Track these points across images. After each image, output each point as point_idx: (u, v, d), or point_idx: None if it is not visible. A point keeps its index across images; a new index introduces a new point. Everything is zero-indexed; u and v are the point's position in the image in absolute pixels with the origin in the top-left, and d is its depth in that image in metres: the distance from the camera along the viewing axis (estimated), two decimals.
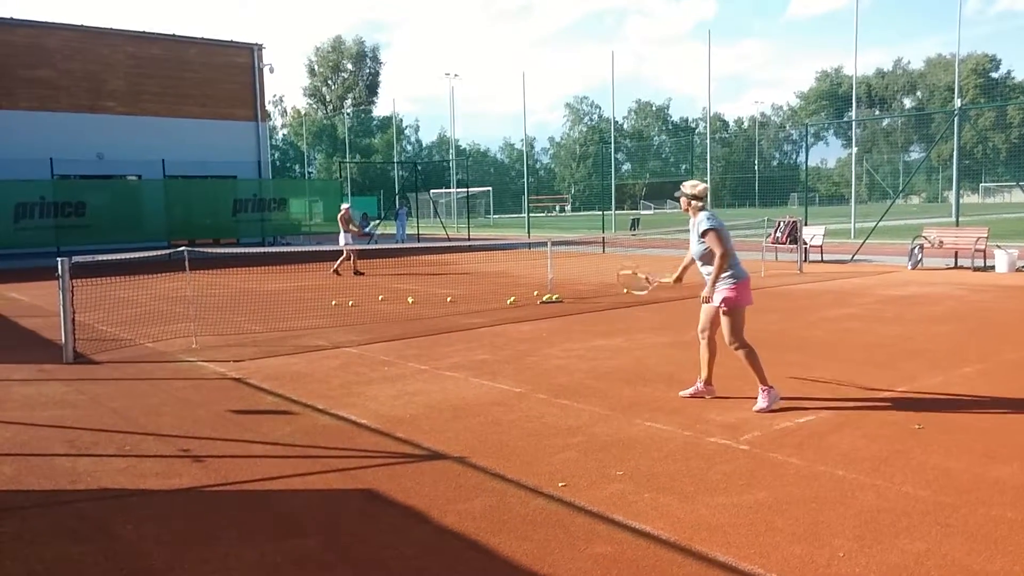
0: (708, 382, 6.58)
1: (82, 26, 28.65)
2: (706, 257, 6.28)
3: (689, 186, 6.42)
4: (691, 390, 6.63)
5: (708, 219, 6.24)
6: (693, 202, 6.37)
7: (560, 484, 4.73)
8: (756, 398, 6.21)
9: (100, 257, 9.83)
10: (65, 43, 27.89)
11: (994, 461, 4.97)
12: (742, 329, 6.21)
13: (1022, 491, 4.49)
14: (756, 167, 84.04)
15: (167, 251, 12.04)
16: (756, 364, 6.19)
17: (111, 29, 29.31)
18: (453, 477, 4.91)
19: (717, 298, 6.20)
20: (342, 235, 18.39)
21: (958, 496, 4.44)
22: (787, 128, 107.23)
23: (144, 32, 30.02)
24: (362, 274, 18.38)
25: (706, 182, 7.21)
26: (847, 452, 5.18)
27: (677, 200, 6.63)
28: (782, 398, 6.27)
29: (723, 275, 6.18)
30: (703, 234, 6.22)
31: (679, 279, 6.82)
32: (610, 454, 5.26)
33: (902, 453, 5.15)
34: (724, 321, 6.21)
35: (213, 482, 4.94)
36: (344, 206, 19.14)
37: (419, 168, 54.36)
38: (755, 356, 6.20)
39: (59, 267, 8.72)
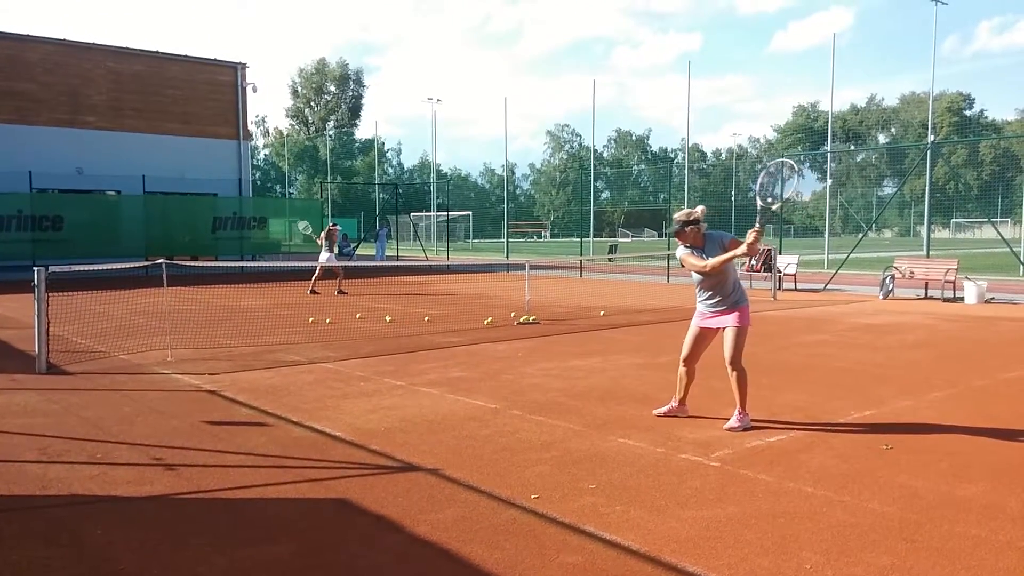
0: (682, 402, 6.65)
1: (63, 40, 28.53)
2: (724, 273, 6.30)
3: (684, 215, 6.35)
4: (665, 408, 6.70)
5: (722, 233, 6.40)
6: (697, 227, 6.31)
7: (532, 496, 4.76)
8: (729, 418, 6.30)
9: (77, 267, 9.79)
10: (46, 57, 27.75)
11: (960, 481, 5.06)
12: (743, 349, 6.32)
13: (987, 510, 4.57)
14: (733, 198, 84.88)
15: (144, 265, 12.01)
16: (744, 387, 6.30)
17: (93, 44, 29.20)
18: (426, 488, 4.92)
19: (733, 318, 6.28)
20: (323, 253, 18.37)
21: (924, 513, 4.52)
22: (764, 160, 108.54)
23: (126, 48, 29.94)
24: (345, 293, 18.36)
25: (701, 205, 7.14)
26: (816, 470, 5.26)
27: (674, 235, 6.44)
28: (753, 419, 6.37)
29: (737, 296, 6.31)
30: (732, 240, 6.26)
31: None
32: (583, 468, 5.30)
33: (870, 472, 5.23)
34: (734, 339, 6.27)
35: (185, 490, 4.92)
36: (332, 226, 19.14)
37: (400, 191, 54.43)
38: (746, 380, 6.30)
39: (35, 277, 8.66)
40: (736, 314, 6.28)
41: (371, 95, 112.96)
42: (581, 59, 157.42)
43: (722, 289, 6.31)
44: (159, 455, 5.64)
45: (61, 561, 3.92)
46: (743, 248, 6.08)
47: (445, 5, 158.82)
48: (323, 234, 18.62)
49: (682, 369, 6.58)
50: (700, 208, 6.43)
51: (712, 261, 6.19)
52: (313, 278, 18.69)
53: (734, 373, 6.29)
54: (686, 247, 6.40)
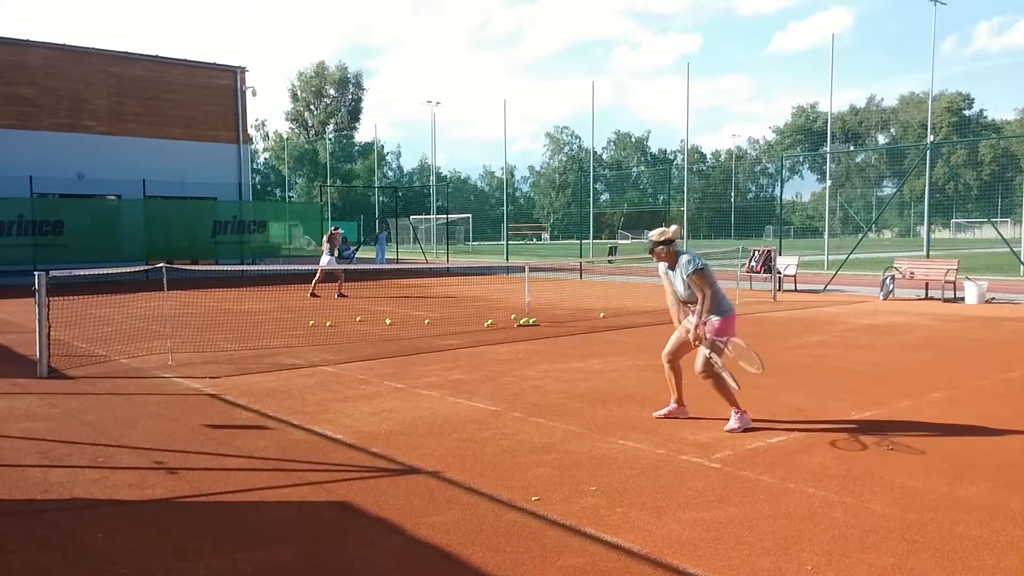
0: (680, 402, 6.66)
1: (64, 45, 28.54)
2: (695, 298, 6.30)
3: (658, 234, 6.40)
4: (665, 410, 6.70)
5: (691, 261, 6.25)
6: (668, 247, 6.37)
7: (533, 498, 4.76)
8: (728, 419, 6.31)
9: (77, 272, 9.81)
10: (46, 61, 27.77)
11: (961, 482, 5.07)
12: (719, 357, 6.30)
13: (988, 510, 4.57)
14: (732, 199, 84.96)
15: (145, 269, 12.01)
16: (726, 389, 6.29)
17: (93, 48, 29.20)
18: (427, 491, 4.93)
19: (707, 330, 6.27)
20: (324, 256, 18.46)
21: (925, 514, 4.52)
22: (763, 161, 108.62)
23: (126, 52, 29.96)
24: (345, 296, 18.40)
25: (675, 223, 7.17)
26: (817, 471, 5.26)
27: (649, 252, 6.52)
28: (754, 420, 6.37)
29: (723, 307, 6.30)
30: (690, 277, 6.23)
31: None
32: (584, 470, 5.31)
33: (871, 473, 5.23)
34: (704, 352, 6.27)
35: (186, 493, 4.93)
36: (334, 230, 19.23)
37: (400, 193, 54.46)
38: (723, 382, 6.27)
39: (36, 281, 8.67)
40: (710, 328, 6.29)
41: (370, 98, 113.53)
42: (580, 61, 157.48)
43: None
44: (160, 459, 5.65)
45: (63, 564, 3.93)
46: (681, 330, 6.43)
47: (443, 7, 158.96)
48: (325, 238, 18.70)
49: (666, 366, 6.61)
50: (674, 228, 6.49)
51: (672, 309, 6.54)
52: (314, 281, 18.74)
53: (708, 380, 6.31)
54: (663, 265, 6.50)
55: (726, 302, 6.39)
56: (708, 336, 6.23)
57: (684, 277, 6.27)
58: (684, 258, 6.31)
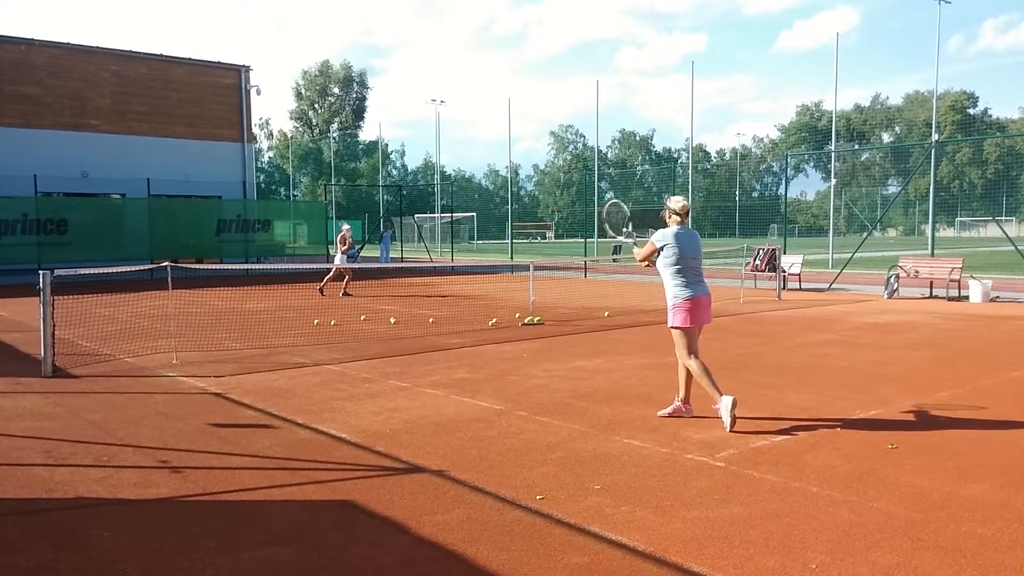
0: (686, 400, 6.66)
1: (68, 44, 28.61)
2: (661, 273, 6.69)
3: (673, 201, 6.73)
4: (669, 409, 6.70)
5: (659, 232, 6.65)
6: (673, 216, 6.66)
7: (538, 497, 4.76)
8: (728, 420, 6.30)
9: (82, 271, 9.83)
10: (51, 60, 27.82)
11: (966, 480, 5.06)
12: (684, 347, 6.48)
13: (993, 509, 4.56)
14: (737, 198, 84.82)
15: (149, 267, 12.04)
16: (704, 377, 6.35)
17: (97, 47, 29.26)
18: (431, 489, 4.93)
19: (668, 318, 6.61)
20: (338, 255, 18.57)
21: (930, 513, 4.51)
22: (768, 160, 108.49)
23: (130, 51, 30.01)
24: (350, 295, 18.46)
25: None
26: (821, 470, 5.25)
27: (668, 218, 6.78)
28: (758, 418, 6.37)
29: (672, 293, 6.52)
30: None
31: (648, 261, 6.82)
32: (588, 469, 5.31)
33: (876, 472, 5.22)
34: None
35: (191, 492, 4.94)
36: (345, 227, 19.33)
37: (404, 192, 54.50)
38: (698, 372, 6.39)
39: (41, 280, 8.69)
40: (668, 313, 6.57)
41: (375, 97, 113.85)
42: (585, 60, 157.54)
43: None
44: (165, 457, 5.66)
45: (68, 564, 3.93)
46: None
47: (449, 8, 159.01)
48: (339, 238, 18.84)
49: (693, 364, 6.62)
50: (682, 204, 6.72)
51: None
52: (326, 279, 18.94)
53: (683, 368, 6.52)
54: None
55: (695, 287, 6.52)
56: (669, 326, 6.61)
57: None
58: (671, 228, 6.65)
